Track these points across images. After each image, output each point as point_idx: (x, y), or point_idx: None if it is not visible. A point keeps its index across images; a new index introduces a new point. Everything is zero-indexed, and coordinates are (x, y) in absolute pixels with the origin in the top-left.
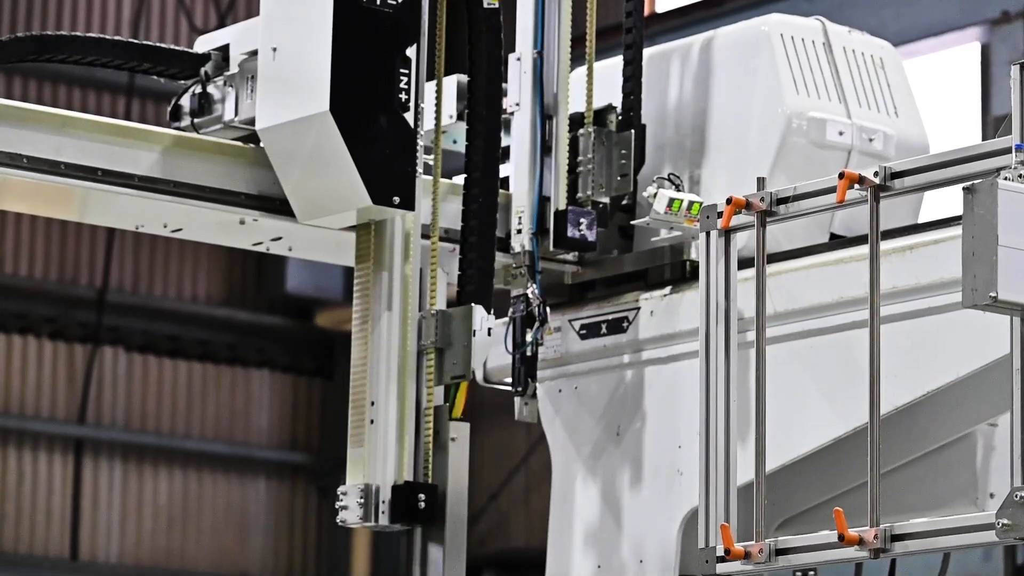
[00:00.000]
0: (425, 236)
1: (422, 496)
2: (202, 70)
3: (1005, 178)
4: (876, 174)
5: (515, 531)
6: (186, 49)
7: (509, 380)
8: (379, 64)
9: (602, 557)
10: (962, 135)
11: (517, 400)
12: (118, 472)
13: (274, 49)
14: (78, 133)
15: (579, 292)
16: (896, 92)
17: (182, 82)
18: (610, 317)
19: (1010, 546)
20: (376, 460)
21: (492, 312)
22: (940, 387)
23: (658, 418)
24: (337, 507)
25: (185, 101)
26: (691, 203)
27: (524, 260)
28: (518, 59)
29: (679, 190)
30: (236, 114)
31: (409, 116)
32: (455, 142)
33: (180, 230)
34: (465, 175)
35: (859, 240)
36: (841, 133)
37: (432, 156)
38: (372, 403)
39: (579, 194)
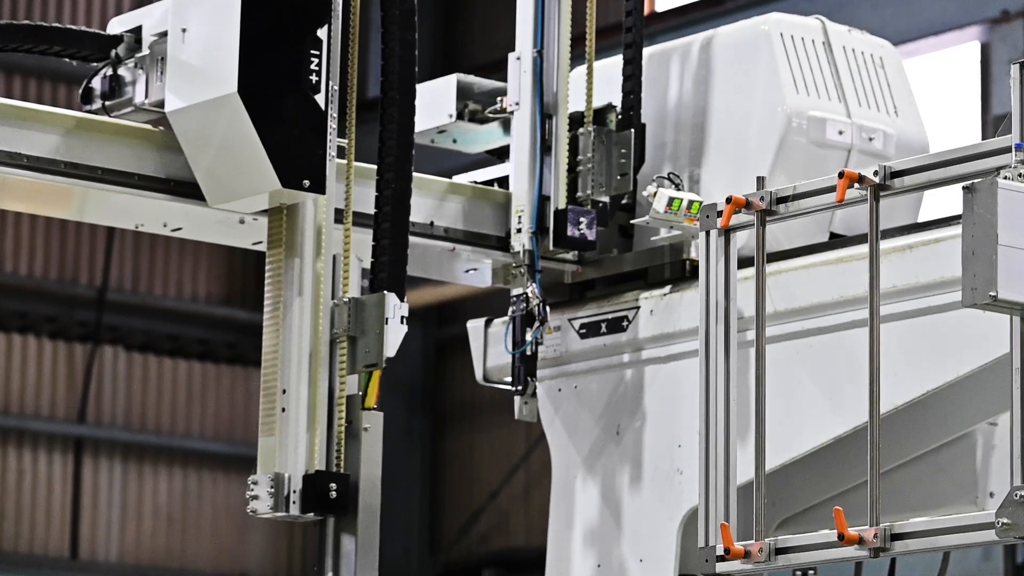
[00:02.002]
0: (340, 221)
1: (333, 486)
2: (113, 52)
3: (1005, 177)
4: (876, 173)
5: (515, 530)
6: (97, 31)
7: (509, 379)
8: (289, 45)
9: (602, 556)
10: (962, 134)
11: (517, 399)
12: (118, 471)
13: (183, 30)
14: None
15: (579, 291)
16: (896, 91)
17: (94, 64)
18: (610, 316)
19: (1010, 545)
20: (287, 449)
21: (405, 300)
22: (940, 387)
23: (658, 417)
24: (248, 496)
25: (96, 83)
26: (691, 202)
27: (524, 259)
28: (518, 58)
29: (679, 189)
30: (147, 96)
31: (320, 98)
32: (455, 141)
33: (180, 229)
34: (378, 160)
35: (859, 239)
36: (841, 132)
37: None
38: (283, 391)
39: (579, 193)
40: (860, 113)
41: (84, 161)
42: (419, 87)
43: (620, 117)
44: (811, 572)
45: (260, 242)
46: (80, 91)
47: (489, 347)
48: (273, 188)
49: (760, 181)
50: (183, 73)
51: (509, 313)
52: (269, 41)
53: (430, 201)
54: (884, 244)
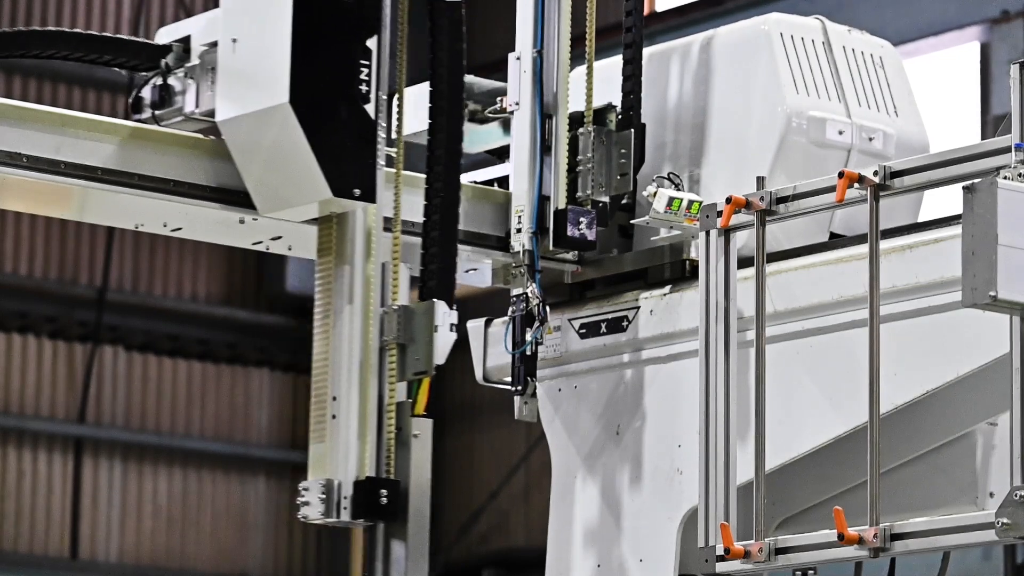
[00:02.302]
0: (389, 230)
1: (384, 492)
2: (163, 61)
3: (1005, 177)
4: (876, 173)
5: (515, 530)
6: (147, 40)
7: (509, 379)
8: (339, 56)
9: (602, 556)
10: (962, 134)
11: (517, 399)
12: (118, 471)
13: (234, 40)
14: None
15: (579, 291)
16: (896, 91)
17: (144, 74)
18: (610, 316)
19: (1010, 545)
20: (338, 456)
21: (455, 308)
22: (940, 386)
23: (658, 417)
24: (299, 503)
25: (146, 93)
26: (691, 202)
27: (524, 259)
28: (518, 58)
29: (679, 189)
30: (197, 106)
31: (370, 108)
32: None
33: (180, 229)
34: (427, 168)
35: (859, 239)
36: (841, 132)
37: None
38: (334, 398)
39: (579, 193)
40: (860, 113)
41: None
42: (419, 87)
43: (620, 117)
44: (811, 572)
45: (260, 242)
46: (130, 101)
47: (489, 347)
48: (324, 197)
49: (760, 181)
50: (234, 83)
51: (509, 313)
52: (320, 51)
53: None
54: (884, 244)
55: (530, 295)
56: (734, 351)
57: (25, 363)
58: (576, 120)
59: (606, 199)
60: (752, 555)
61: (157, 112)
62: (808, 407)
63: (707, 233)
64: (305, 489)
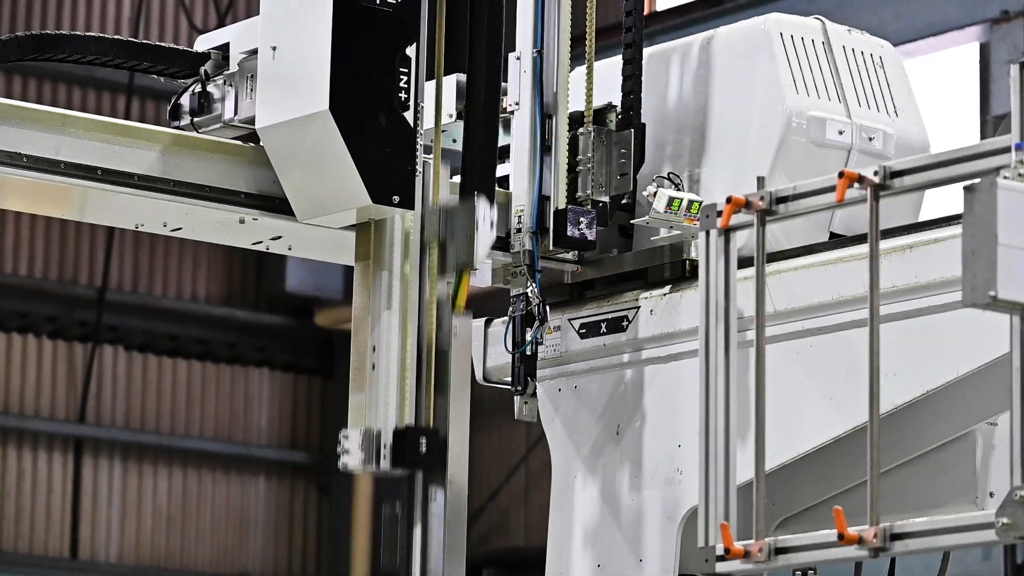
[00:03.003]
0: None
1: (423, 440)
2: (202, 69)
3: (1005, 177)
4: (876, 173)
5: (515, 530)
6: (186, 48)
7: (508, 379)
8: (379, 63)
9: (602, 556)
10: (962, 134)
11: (517, 399)
12: (118, 471)
13: (273, 48)
14: (78, 132)
15: (579, 291)
16: (896, 91)
17: (182, 81)
18: (609, 316)
19: (1010, 545)
20: (377, 404)
21: (495, 206)
22: (940, 386)
23: (658, 417)
24: (339, 452)
25: (185, 100)
26: (691, 202)
27: (524, 259)
28: (518, 58)
29: (679, 189)
30: (236, 113)
31: (409, 115)
32: (455, 141)
33: (180, 229)
34: (468, 72)
35: (859, 239)
36: (841, 132)
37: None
38: (373, 348)
39: (579, 193)
40: (860, 113)
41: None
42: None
43: (620, 117)
44: (811, 572)
45: (259, 242)
46: (169, 108)
47: (489, 347)
48: (363, 204)
49: (760, 181)
50: (274, 90)
51: (509, 313)
52: (359, 59)
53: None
54: (884, 244)
55: (530, 295)
56: (734, 351)
57: (25, 363)
58: (576, 120)
59: (606, 199)
60: (752, 555)
61: (196, 119)
62: (808, 407)
63: (707, 233)
64: (345, 438)
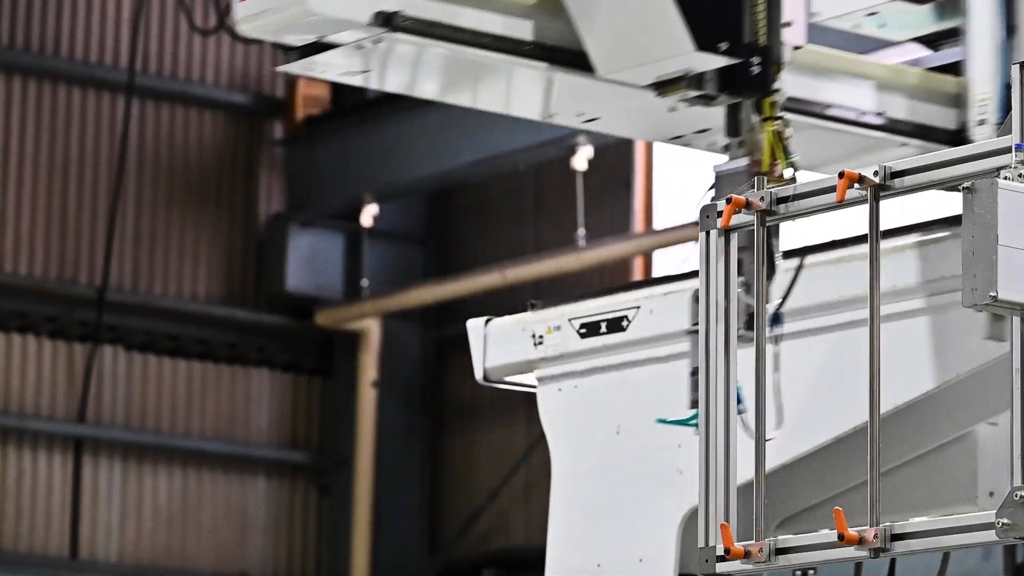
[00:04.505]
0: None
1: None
2: None
3: (1005, 178)
4: (876, 173)
5: (515, 530)
6: None
7: (508, 379)
8: None
9: (602, 556)
10: None
11: None
12: (118, 471)
13: None
14: None
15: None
16: None
17: None
18: (609, 316)
19: (1010, 545)
20: None
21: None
22: (940, 386)
23: (658, 417)
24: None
25: None
26: None
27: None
28: None
29: None
30: None
31: None
32: (882, 26)
33: (596, 119)
34: None
35: (859, 239)
36: None
37: None
38: None
39: None
40: None
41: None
42: None
43: None
44: (811, 572)
45: (680, 136)
46: None
47: (489, 346)
48: (685, 52)
49: (760, 181)
50: None
51: None
52: None
53: (870, 88)
54: (884, 244)
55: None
56: (734, 351)
57: (25, 363)
58: None
59: None
60: (752, 555)
61: None
62: (808, 407)
63: (707, 233)
64: None
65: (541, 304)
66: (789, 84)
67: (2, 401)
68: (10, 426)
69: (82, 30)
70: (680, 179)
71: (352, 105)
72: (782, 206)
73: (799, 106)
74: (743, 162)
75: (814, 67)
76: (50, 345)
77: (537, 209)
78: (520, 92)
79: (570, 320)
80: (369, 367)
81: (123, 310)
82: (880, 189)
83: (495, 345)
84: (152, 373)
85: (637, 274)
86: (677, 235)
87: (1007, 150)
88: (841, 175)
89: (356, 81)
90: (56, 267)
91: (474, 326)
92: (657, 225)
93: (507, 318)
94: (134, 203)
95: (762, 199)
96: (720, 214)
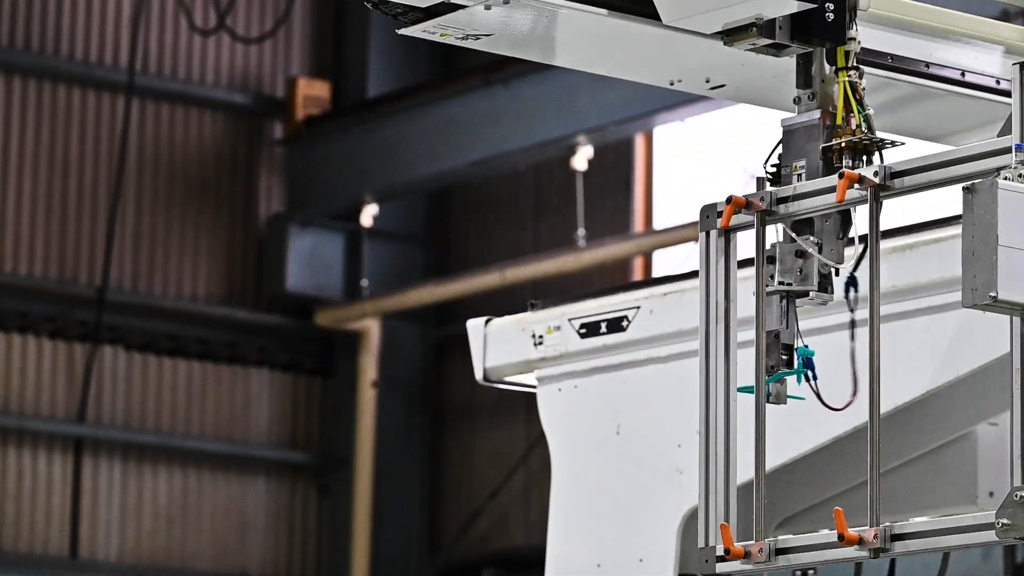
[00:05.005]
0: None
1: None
2: None
3: (1005, 178)
4: (876, 174)
5: (515, 530)
6: None
7: (508, 379)
8: None
9: (602, 556)
10: None
11: None
12: (118, 471)
13: None
14: None
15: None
16: None
17: None
18: (609, 316)
19: (1010, 545)
20: None
21: None
22: (940, 386)
23: (658, 417)
24: None
25: None
26: None
27: None
28: None
29: None
30: None
31: None
32: None
33: (722, 87)
34: None
35: (859, 239)
36: None
37: None
38: None
39: None
40: None
41: None
42: None
43: None
44: (811, 572)
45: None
46: None
47: (489, 346)
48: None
49: (760, 182)
50: None
51: None
52: None
53: (998, 53)
54: (884, 244)
55: None
56: (734, 351)
57: (25, 363)
58: None
59: None
60: (752, 555)
61: None
62: (808, 407)
63: (707, 233)
64: None
65: (541, 304)
66: (918, 48)
67: (2, 401)
68: (10, 426)
69: (82, 30)
70: (680, 179)
71: (352, 105)
72: (782, 206)
73: (930, 71)
74: (813, 116)
75: (944, 31)
76: (50, 345)
77: (537, 209)
78: (645, 58)
79: (570, 320)
80: (369, 367)
81: (123, 310)
82: (880, 189)
83: (495, 345)
84: (152, 373)
85: (637, 274)
86: (677, 235)
87: (1007, 150)
88: (841, 175)
89: (480, 45)
90: (56, 267)
91: (474, 326)
92: (657, 225)
93: (507, 318)
94: (134, 203)
95: (762, 199)
96: (720, 214)
